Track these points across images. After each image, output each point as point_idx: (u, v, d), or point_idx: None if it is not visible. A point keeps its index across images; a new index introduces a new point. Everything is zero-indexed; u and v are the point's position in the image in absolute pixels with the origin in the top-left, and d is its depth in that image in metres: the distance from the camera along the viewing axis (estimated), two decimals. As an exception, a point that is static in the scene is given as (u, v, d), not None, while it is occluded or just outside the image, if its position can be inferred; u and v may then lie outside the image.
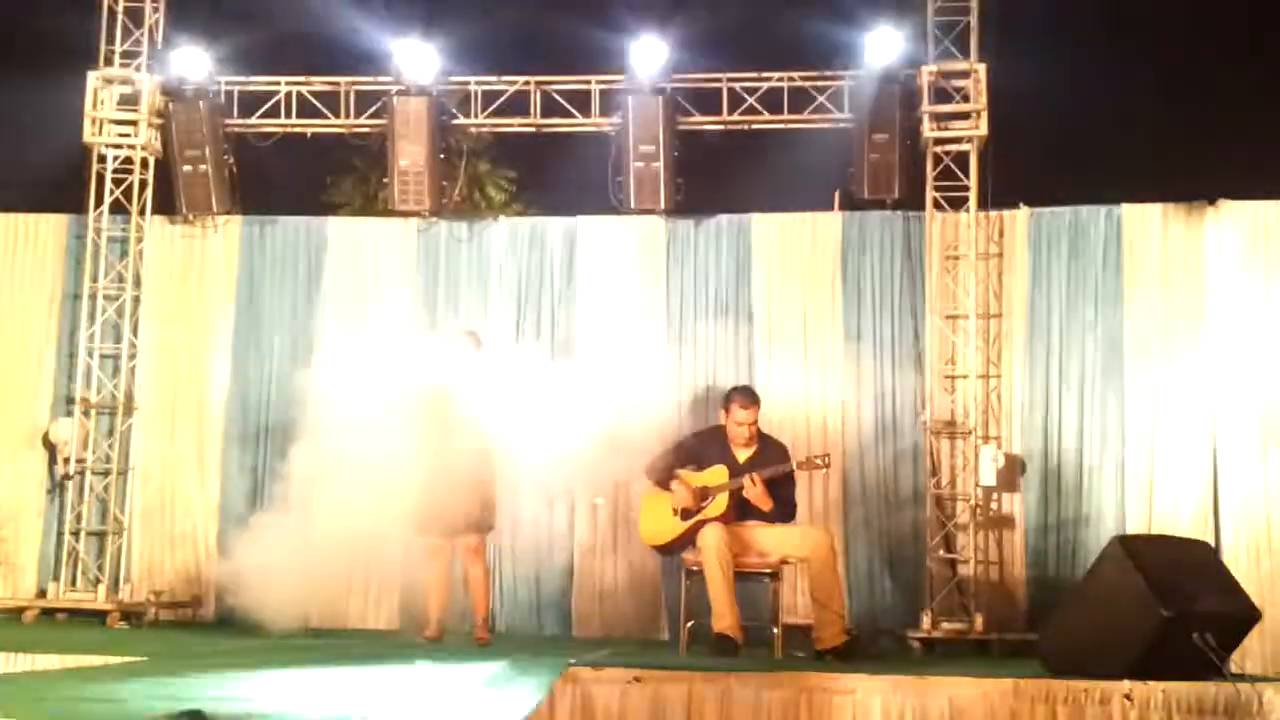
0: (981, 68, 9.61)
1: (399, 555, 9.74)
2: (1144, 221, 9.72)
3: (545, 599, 9.80)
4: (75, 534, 9.91)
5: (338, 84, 10.26)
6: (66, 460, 9.93)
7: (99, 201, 10.15)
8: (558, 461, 9.77)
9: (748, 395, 7.97)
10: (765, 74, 10.04)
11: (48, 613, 9.73)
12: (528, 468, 9.37)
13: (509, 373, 8.49)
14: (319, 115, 10.27)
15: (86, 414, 10.01)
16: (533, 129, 10.38)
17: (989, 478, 9.36)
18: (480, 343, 8.61)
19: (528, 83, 10.21)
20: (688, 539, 7.73)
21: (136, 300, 10.20)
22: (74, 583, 9.88)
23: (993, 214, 9.82)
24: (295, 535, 9.83)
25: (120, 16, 10.14)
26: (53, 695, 5.21)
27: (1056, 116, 9.36)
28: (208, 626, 9.73)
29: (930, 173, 9.73)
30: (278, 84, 10.30)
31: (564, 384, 9.25)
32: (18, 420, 10.23)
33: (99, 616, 9.57)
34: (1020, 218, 9.89)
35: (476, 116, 10.34)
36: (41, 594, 9.90)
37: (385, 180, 10.32)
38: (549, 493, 9.84)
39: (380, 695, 5.52)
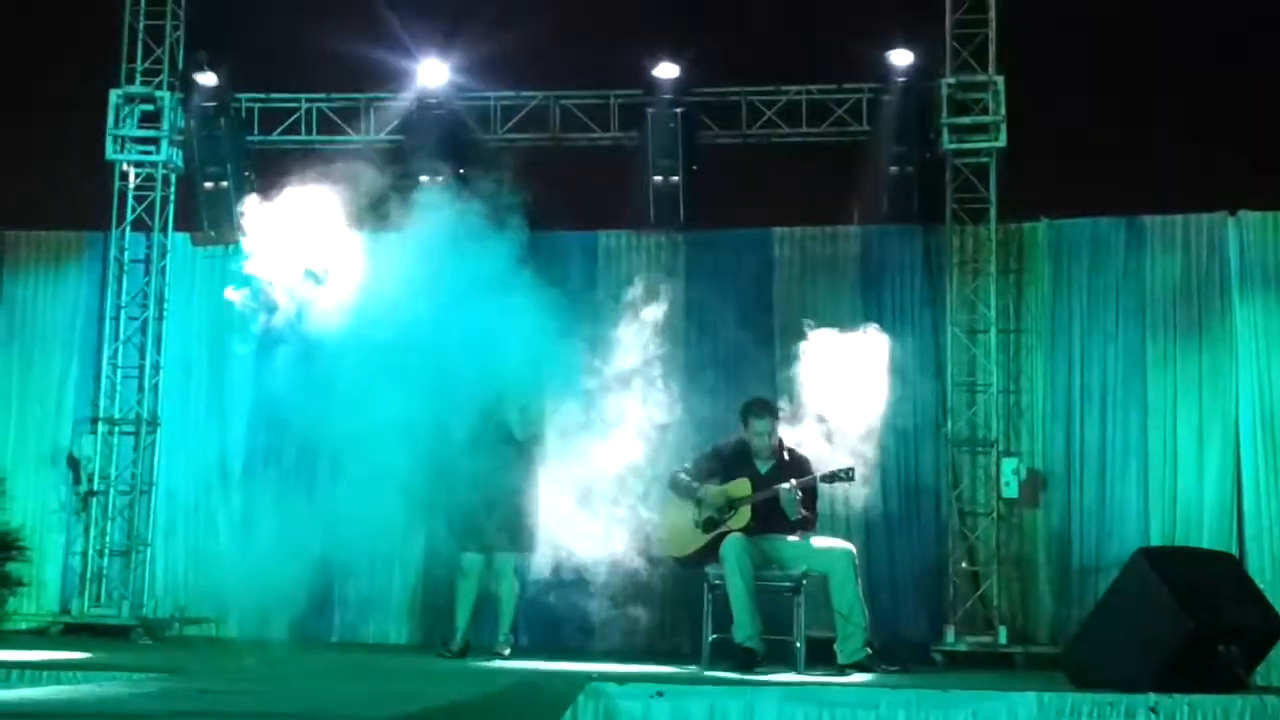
0: (1000, 80, 9.58)
1: (422, 570, 9.82)
2: (1164, 232, 9.71)
3: (566, 612, 9.79)
4: (99, 551, 9.94)
5: (358, 100, 10.30)
6: (90, 477, 9.97)
7: (121, 219, 10.21)
8: (579, 474, 9.83)
9: (764, 407, 7.97)
10: (784, 88, 10.05)
11: (71, 629, 9.75)
12: (550, 479, 9.43)
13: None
14: (339, 131, 10.31)
15: (110, 431, 10.05)
16: (551, 143, 10.38)
17: (1011, 490, 9.35)
18: None
19: (546, 97, 10.23)
20: (710, 551, 7.73)
21: (159, 317, 10.23)
22: (98, 599, 9.91)
23: (1012, 226, 9.81)
24: (315, 549, 9.90)
25: (141, 35, 10.19)
26: (78, 711, 5.22)
27: (1076, 127, 9.32)
28: (231, 642, 9.74)
29: (950, 185, 9.72)
30: (298, 100, 10.34)
31: (584, 398, 9.28)
32: (41, 438, 10.29)
33: (123, 633, 9.59)
34: (1040, 229, 9.88)
35: (496, 132, 10.36)
36: (65, 611, 9.94)
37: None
38: (571, 505, 9.86)
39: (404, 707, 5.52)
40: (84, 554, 9.97)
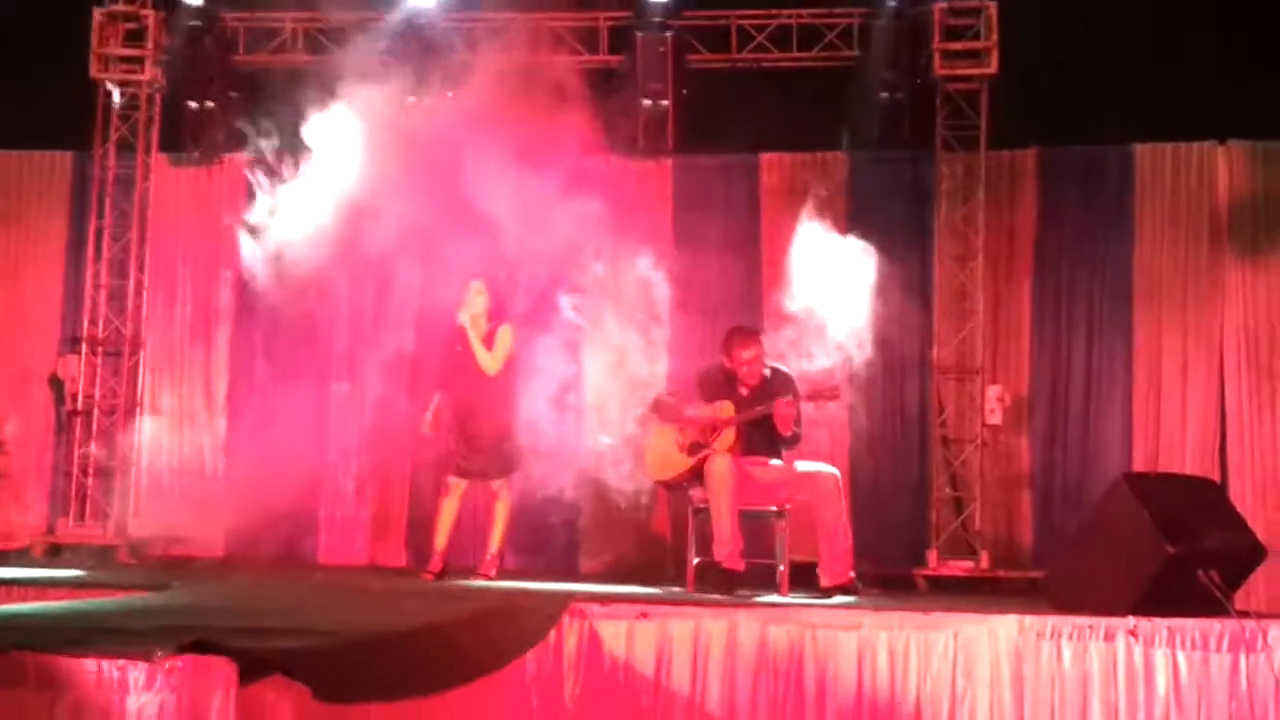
0: (993, 4, 9.47)
1: (410, 491, 9.86)
2: (1154, 161, 9.67)
3: (552, 535, 9.84)
4: (84, 470, 9.95)
5: (345, 20, 10.17)
6: (74, 398, 9.96)
7: (105, 139, 10.12)
8: (566, 398, 9.85)
9: (748, 335, 7.94)
10: (774, 11, 9.95)
11: (56, 548, 9.77)
12: (537, 407, 9.45)
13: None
14: (326, 52, 10.18)
15: (94, 351, 10.03)
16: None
17: (995, 417, 9.38)
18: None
19: (533, 20, 10.12)
20: (695, 474, 7.75)
21: (143, 238, 10.18)
22: (82, 518, 9.92)
23: (1003, 154, 9.77)
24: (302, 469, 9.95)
25: (126, -50, 10.06)
26: (63, 626, 5.24)
27: (1069, 54, 9.24)
28: (216, 561, 9.78)
29: (940, 111, 9.66)
30: (283, 20, 10.22)
31: (572, 322, 9.28)
32: (27, 358, 10.27)
33: (108, 552, 9.61)
34: (1030, 158, 9.84)
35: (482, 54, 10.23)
36: (50, 530, 9.96)
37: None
38: (557, 429, 9.88)
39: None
40: (69, 474, 9.97)
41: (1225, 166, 9.57)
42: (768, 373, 7.85)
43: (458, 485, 8.29)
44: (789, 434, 7.64)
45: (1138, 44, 9.12)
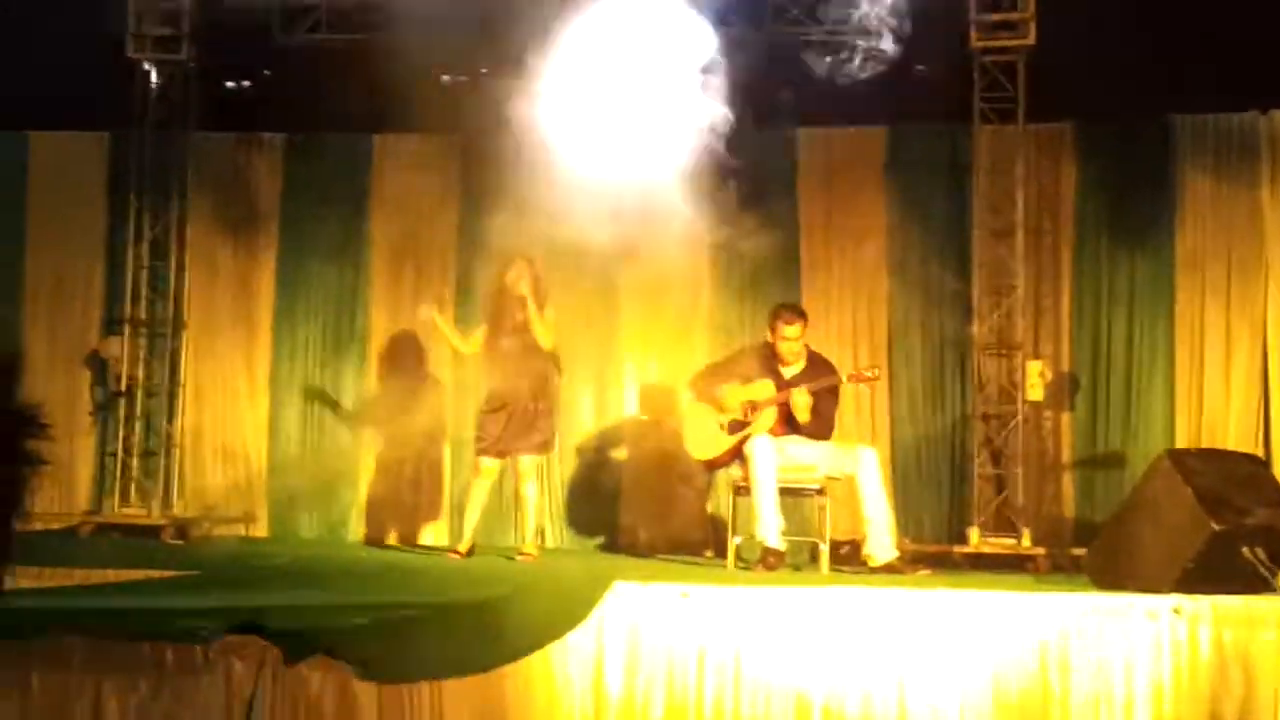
0: (1032, -25, 9.40)
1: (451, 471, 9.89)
2: (1194, 132, 9.55)
3: (592, 515, 9.86)
4: (128, 451, 10.01)
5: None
6: (118, 378, 10.03)
7: (143, 119, 10.15)
8: (602, 376, 9.86)
9: (794, 311, 7.96)
10: (809, -16, 9.87)
11: (102, 529, 9.85)
12: (573, 384, 9.46)
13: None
14: (361, 30, 10.14)
15: (136, 332, 10.09)
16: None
17: (1036, 393, 9.32)
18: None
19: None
20: (735, 453, 7.75)
21: (183, 218, 10.23)
22: (127, 499, 10.00)
23: (1041, 126, 9.68)
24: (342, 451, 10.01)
25: (163, -70, 10.07)
26: (110, 609, 5.29)
27: (1106, 26, 9.13)
28: (260, 541, 9.85)
29: (978, 84, 9.58)
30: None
31: (609, 298, 9.28)
32: (70, 339, 10.33)
33: (152, 532, 9.69)
34: (1068, 130, 9.75)
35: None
36: (95, 510, 10.04)
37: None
38: (595, 407, 9.89)
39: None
40: (115, 455, 10.04)
41: (1268, 137, 9.45)
42: (810, 358, 7.84)
43: (490, 468, 8.30)
44: (804, 422, 7.63)
45: (1177, 14, 9.01)
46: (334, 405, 10.07)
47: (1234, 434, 9.21)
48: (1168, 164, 9.55)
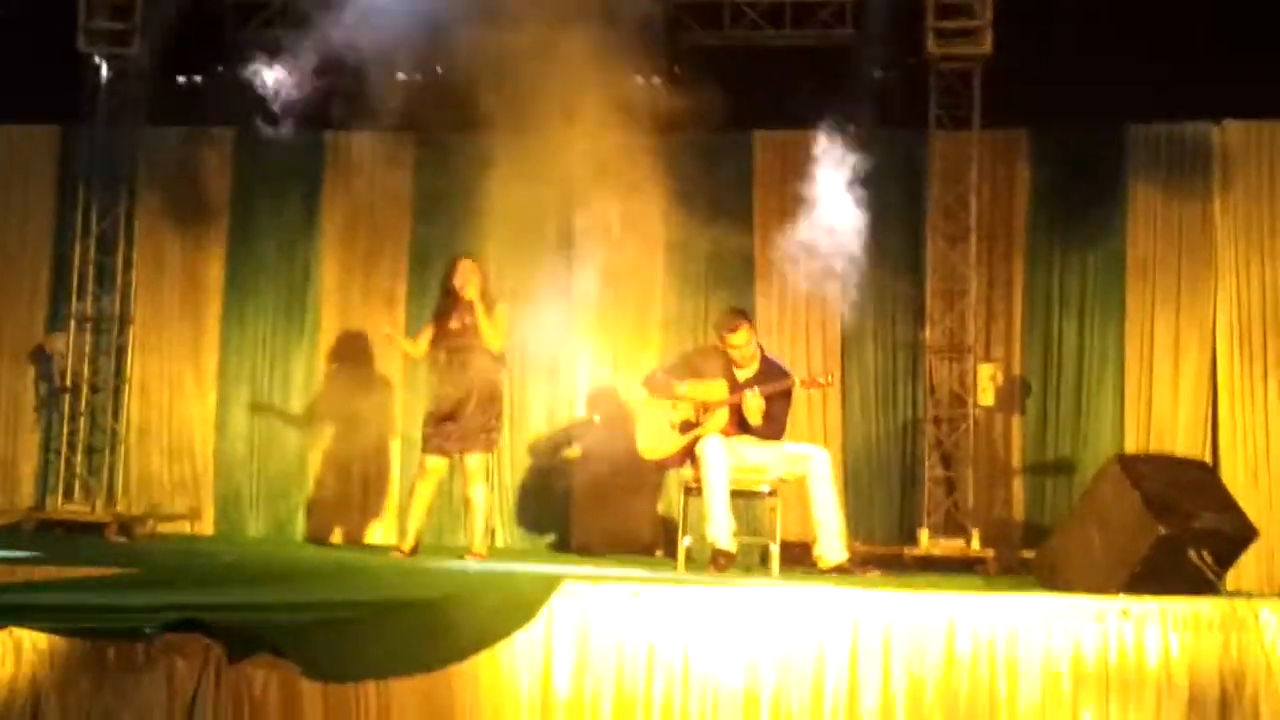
0: (987, -17, 9.44)
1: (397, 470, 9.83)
2: (1147, 141, 9.64)
3: (542, 515, 9.82)
4: (72, 447, 9.90)
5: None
6: (63, 374, 9.91)
7: (93, 113, 10.03)
8: (554, 376, 9.83)
9: (734, 317, 7.91)
10: (767, -13, 9.88)
11: (45, 525, 9.73)
12: (525, 384, 9.42)
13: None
14: (314, 25, 10.05)
15: (82, 327, 9.97)
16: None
17: (988, 397, 9.36)
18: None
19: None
20: (686, 453, 7.73)
21: (131, 213, 10.11)
22: (71, 495, 9.88)
23: (996, 133, 9.73)
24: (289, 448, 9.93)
25: (113, -78, 9.96)
26: (52, 605, 5.21)
27: (1061, 35, 9.19)
28: (205, 539, 9.76)
29: (933, 90, 9.61)
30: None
31: (562, 299, 9.25)
32: (15, 334, 10.21)
33: (96, 529, 9.58)
34: (1023, 138, 9.81)
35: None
36: (39, 507, 9.91)
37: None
38: (547, 407, 9.86)
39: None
40: (59, 451, 9.92)
41: (1219, 147, 9.54)
42: (762, 361, 7.82)
43: (437, 466, 8.23)
44: (756, 424, 7.62)
45: (1132, 23, 9.06)
46: (282, 415, 9.99)
47: (1182, 439, 9.30)
48: (1120, 172, 9.64)
